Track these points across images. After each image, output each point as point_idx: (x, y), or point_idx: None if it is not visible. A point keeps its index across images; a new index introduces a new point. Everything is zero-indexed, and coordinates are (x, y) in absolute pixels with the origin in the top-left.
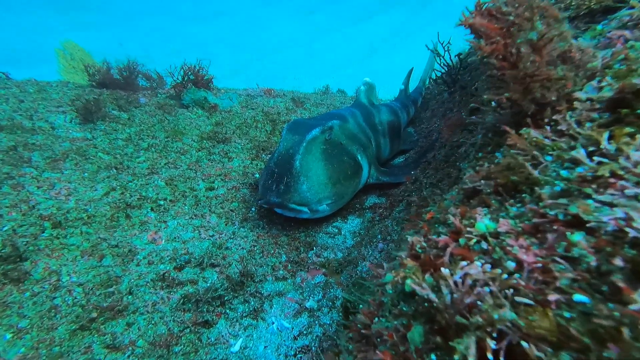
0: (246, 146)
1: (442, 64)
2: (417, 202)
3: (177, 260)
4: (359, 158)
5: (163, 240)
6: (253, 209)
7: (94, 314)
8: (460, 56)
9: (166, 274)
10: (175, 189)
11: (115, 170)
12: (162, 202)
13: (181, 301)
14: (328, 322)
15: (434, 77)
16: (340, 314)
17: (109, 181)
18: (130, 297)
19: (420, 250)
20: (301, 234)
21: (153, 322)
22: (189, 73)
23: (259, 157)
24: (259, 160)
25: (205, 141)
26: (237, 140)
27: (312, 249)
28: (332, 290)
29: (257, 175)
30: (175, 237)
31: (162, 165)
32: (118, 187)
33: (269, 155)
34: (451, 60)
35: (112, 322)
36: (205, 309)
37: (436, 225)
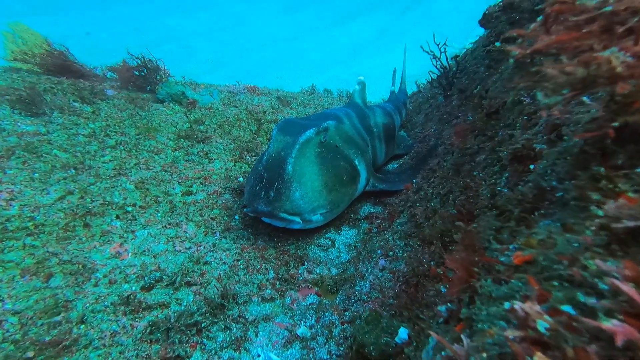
0: (229, 147)
1: (438, 67)
2: (424, 215)
3: (146, 278)
4: (356, 163)
5: (129, 254)
6: (237, 217)
7: (30, 353)
8: (457, 58)
9: (131, 296)
10: (147, 193)
11: (73, 171)
12: (130, 209)
13: (148, 330)
14: (326, 358)
15: (429, 80)
16: (342, 348)
17: (66, 183)
18: (82, 327)
19: (547, 333)
20: (291, 247)
21: (110, 359)
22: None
23: (243, 159)
24: (243, 163)
25: (182, 140)
26: (219, 139)
27: (304, 264)
28: (327, 315)
29: (242, 179)
30: (144, 250)
31: (132, 166)
32: (76, 191)
33: (256, 158)
34: (447, 63)
35: None
36: (177, 339)
37: (563, 286)
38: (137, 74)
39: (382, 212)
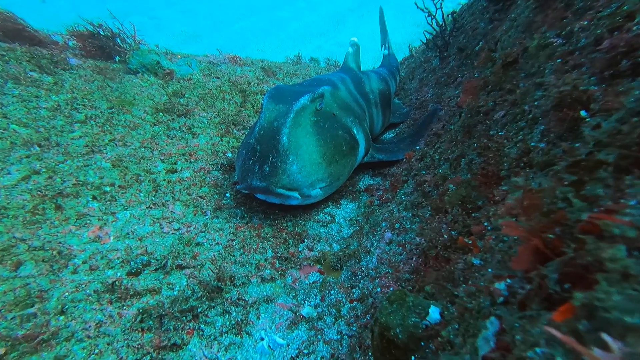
0: (213, 120)
1: (433, 25)
2: (433, 183)
3: (132, 262)
4: (355, 132)
5: (111, 238)
6: (228, 194)
7: (1, 350)
8: (454, 15)
9: (116, 283)
10: (126, 172)
11: (37, 148)
12: (108, 189)
13: (138, 318)
14: (336, 338)
15: (425, 41)
16: (353, 328)
17: (29, 162)
18: (62, 318)
19: None
20: (288, 224)
21: (97, 351)
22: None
23: (230, 133)
24: (231, 137)
25: (161, 114)
26: (202, 113)
27: (303, 241)
28: (332, 293)
29: (231, 155)
30: (128, 233)
31: (107, 142)
32: (43, 170)
33: (244, 132)
34: (444, 21)
35: (31, 359)
36: (172, 326)
37: None
38: (102, 34)
39: (383, 183)
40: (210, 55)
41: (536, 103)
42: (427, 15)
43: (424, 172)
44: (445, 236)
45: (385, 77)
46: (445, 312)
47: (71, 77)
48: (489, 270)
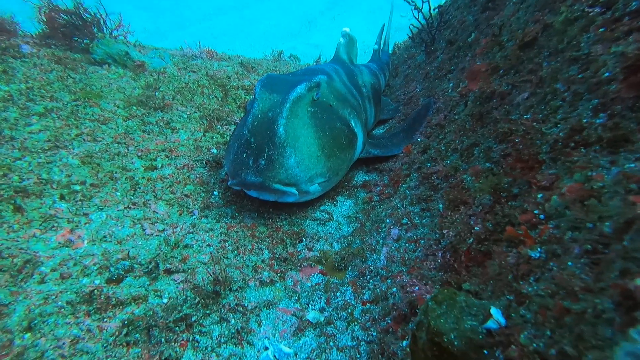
0: (193, 115)
1: (419, 19)
2: (443, 174)
3: (112, 268)
4: (353, 124)
5: (85, 242)
6: (215, 192)
7: None
8: (441, 9)
9: (95, 292)
10: (98, 169)
11: None
12: (78, 187)
13: (123, 331)
14: (351, 344)
15: (410, 35)
16: (373, 333)
17: None
18: (28, 335)
19: None
20: (284, 223)
21: None
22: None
23: (213, 129)
24: (215, 132)
25: (134, 107)
26: (180, 107)
27: (301, 241)
28: (339, 295)
29: (215, 151)
30: (105, 236)
31: (73, 137)
32: None
33: (228, 127)
34: (430, 15)
35: None
36: (162, 339)
37: None
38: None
39: (380, 179)
40: (185, 49)
41: (574, 78)
42: (413, 8)
43: (429, 164)
44: (477, 228)
45: (375, 71)
46: (513, 314)
47: (24, 66)
48: (569, 263)
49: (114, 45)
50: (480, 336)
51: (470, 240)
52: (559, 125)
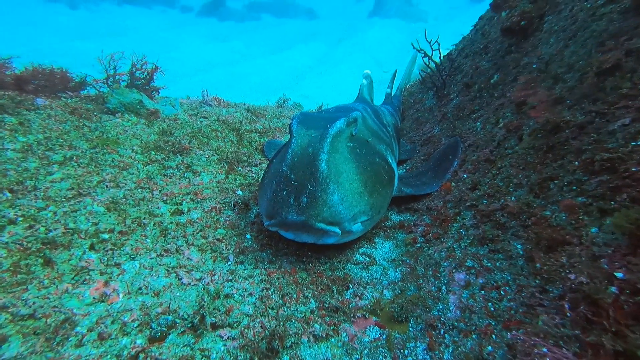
0: (212, 158)
1: (430, 66)
2: (514, 211)
3: (153, 324)
4: (390, 160)
5: (120, 295)
6: (248, 235)
7: None
8: (451, 56)
9: (140, 354)
10: (125, 216)
11: (9, 194)
12: (106, 236)
13: None
14: None
15: (421, 79)
16: None
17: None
18: None
19: None
20: (325, 267)
21: None
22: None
23: (235, 171)
24: (237, 174)
25: (153, 152)
26: (198, 151)
27: (348, 287)
28: (407, 353)
29: (241, 192)
30: (140, 288)
31: (95, 184)
32: (20, 219)
33: (249, 170)
34: (441, 62)
35: None
36: None
37: None
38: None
39: (418, 218)
40: (191, 98)
41: None
42: (423, 56)
43: (485, 201)
44: (619, 274)
45: (393, 113)
46: None
47: (39, 118)
48: None
49: (129, 94)
50: None
51: (613, 289)
52: None
